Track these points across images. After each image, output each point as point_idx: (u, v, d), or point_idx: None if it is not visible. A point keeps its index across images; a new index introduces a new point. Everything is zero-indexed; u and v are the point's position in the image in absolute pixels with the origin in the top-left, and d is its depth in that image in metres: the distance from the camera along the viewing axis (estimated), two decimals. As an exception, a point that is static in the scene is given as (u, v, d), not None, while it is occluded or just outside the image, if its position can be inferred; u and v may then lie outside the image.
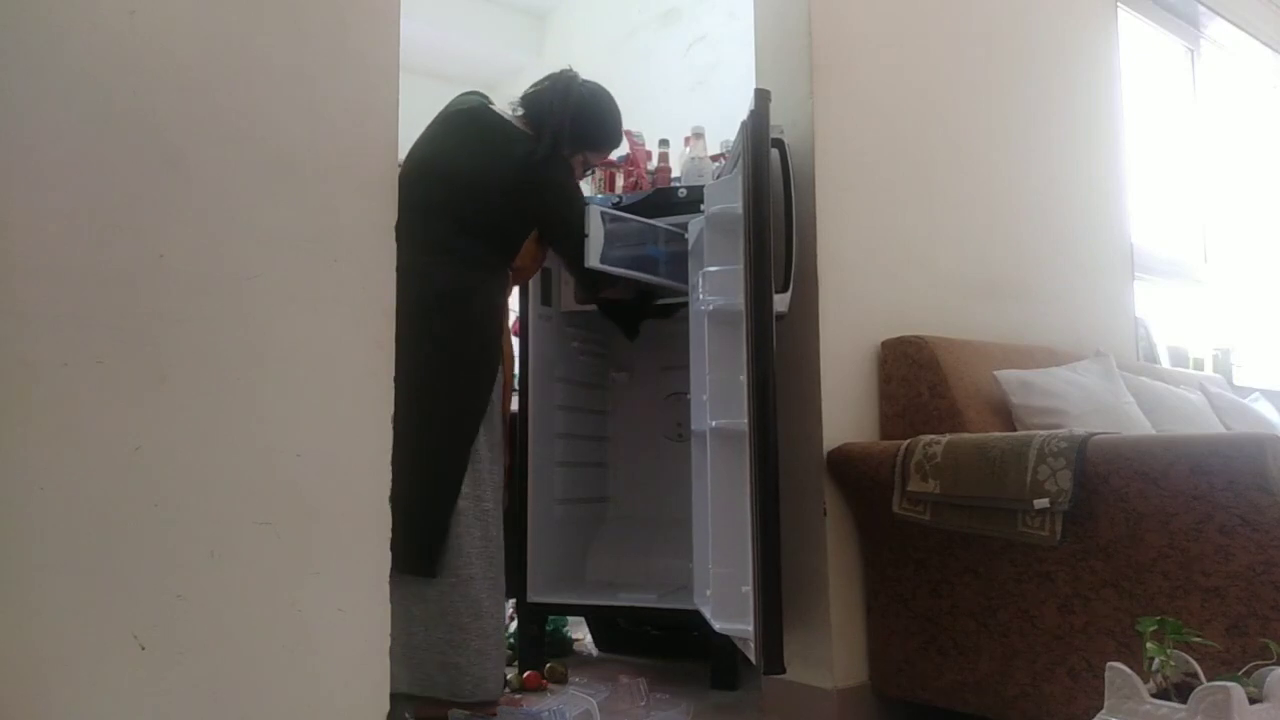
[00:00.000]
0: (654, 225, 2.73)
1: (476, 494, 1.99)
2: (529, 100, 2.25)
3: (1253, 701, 1.11)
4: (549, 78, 2.30)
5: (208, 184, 1.18)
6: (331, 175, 1.29)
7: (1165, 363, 3.54)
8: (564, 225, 2.22)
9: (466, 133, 2.19)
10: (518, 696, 2.19)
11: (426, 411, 1.87)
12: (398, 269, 1.35)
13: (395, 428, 1.32)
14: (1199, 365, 3.86)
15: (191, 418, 1.14)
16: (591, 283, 2.35)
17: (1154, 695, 1.17)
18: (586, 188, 3.20)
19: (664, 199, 2.77)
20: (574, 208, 2.25)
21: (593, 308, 3.07)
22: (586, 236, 2.22)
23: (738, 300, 2.04)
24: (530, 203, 2.15)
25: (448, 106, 2.26)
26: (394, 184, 1.36)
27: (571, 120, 2.20)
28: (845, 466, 2.10)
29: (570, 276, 2.41)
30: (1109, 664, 1.21)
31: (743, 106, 2.04)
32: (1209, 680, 1.14)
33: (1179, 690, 1.15)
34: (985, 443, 1.85)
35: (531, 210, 2.16)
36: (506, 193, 2.11)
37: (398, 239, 1.35)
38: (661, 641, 2.88)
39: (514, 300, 3.07)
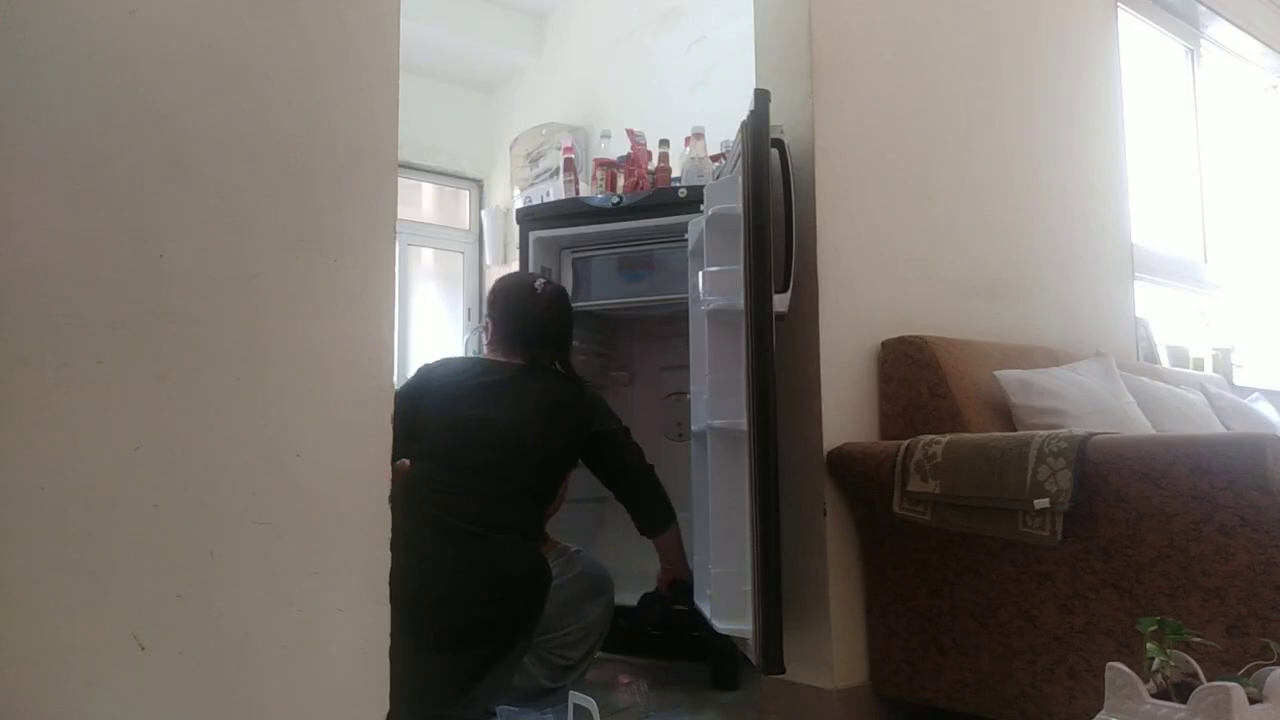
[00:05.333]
0: (623, 249, 2.87)
1: None
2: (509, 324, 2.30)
3: (1253, 701, 1.11)
4: (508, 288, 2.36)
5: (208, 184, 1.18)
6: (331, 175, 1.28)
7: (1165, 363, 3.54)
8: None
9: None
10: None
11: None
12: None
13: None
14: (1199, 365, 3.86)
15: (191, 418, 1.14)
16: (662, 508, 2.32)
17: (1154, 695, 1.17)
18: (585, 188, 3.21)
19: (664, 199, 2.78)
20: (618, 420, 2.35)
21: (591, 306, 3.08)
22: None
23: (738, 300, 2.04)
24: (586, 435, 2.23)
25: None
26: (394, 184, 1.36)
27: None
28: (845, 466, 2.10)
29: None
30: (1109, 664, 1.21)
31: (743, 106, 2.04)
32: (1209, 680, 1.14)
33: (1179, 690, 1.15)
34: (985, 443, 1.85)
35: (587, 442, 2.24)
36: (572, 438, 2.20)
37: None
38: (661, 641, 2.88)
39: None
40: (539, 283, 2.35)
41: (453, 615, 1.95)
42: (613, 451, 2.26)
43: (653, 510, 2.29)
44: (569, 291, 3.06)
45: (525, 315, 2.29)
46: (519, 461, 2.10)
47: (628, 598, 2.76)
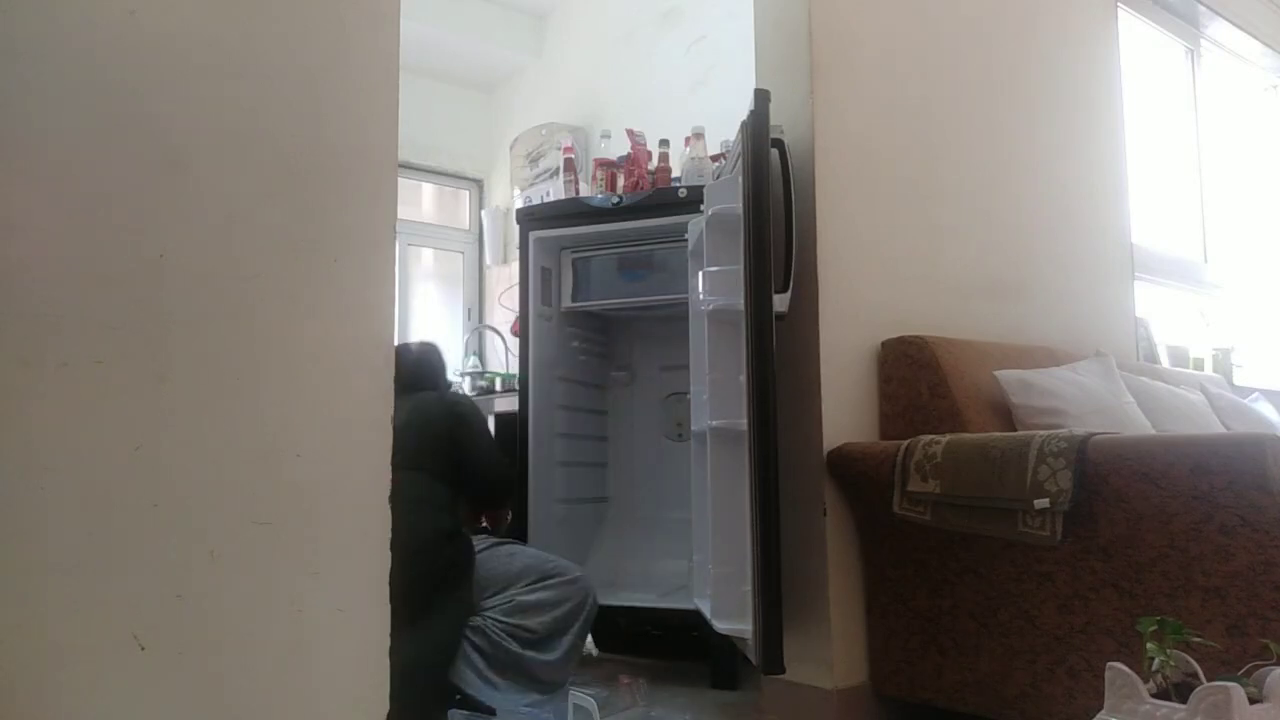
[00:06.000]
0: (623, 249, 2.91)
1: None
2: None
3: (1253, 701, 1.11)
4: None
5: (208, 184, 1.18)
6: (331, 175, 1.28)
7: (1165, 363, 3.54)
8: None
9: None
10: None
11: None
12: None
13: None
14: (1199, 365, 3.86)
15: (191, 418, 1.14)
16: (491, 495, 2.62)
17: (1154, 695, 1.17)
18: (585, 188, 3.21)
19: (664, 199, 2.78)
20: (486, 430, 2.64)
21: (591, 306, 3.09)
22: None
23: (738, 300, 2.04)
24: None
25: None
26: (394, 184, 1.36)
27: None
28: (845, 466, 2.10)
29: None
30: (1109, 664, 1.21)
31: (743, 106, 2.04)
32: (1209, 680, 1.14)
33: (1179, 690, 1.15)
34: (985, 443, 1.85)
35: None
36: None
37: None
38: (661, 641, 2.88)
39: (513, 300, 3.09)
40: (413, 344, 2.80)
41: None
42: (461, 439, 2.51)
43: (485, 498, 2.60)
44: (570, 291, 3.07)
45: (400, 366, 2.64)
46: (416, 451, 2.34)
47: (629, 598, 2.77)
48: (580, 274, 3.08)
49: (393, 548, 2.09)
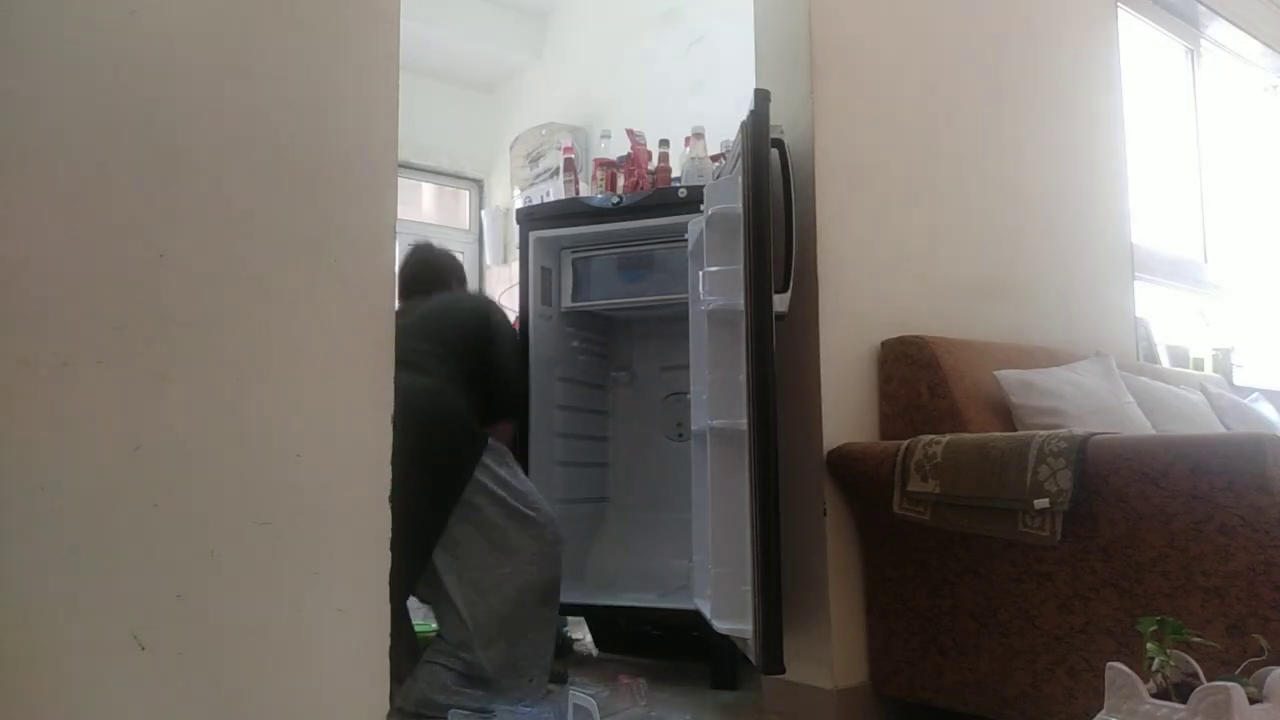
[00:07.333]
0: (623, 249, 2.93)
1: None
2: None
3: (1253, 701, 1.11)
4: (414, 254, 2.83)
5: (208, 184, 1.18)
6: (331, 175, 1.28)
7: (1165, 363, 3.54)
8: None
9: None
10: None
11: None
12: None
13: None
14: (1199, 365, 3.86)
15: (191, 418, 1.14)
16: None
17: (1154, 695, 1.17)
18: (585, 188, 3.21)
19: (664, 199, 2.78)
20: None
21: (591, 306, 3.09)
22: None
23: (738, 300, 2.04)
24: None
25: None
26: (394, 184, 1.36)
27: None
28: (845, 466, 2.10)
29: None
30: (1109, 664, 1.21)
31: (743, 106, 2.04)
32: (1209, 680, 1.14)
33: (1179, 690, 1.15)
34: (985, 443, 1.85)
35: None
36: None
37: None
38: (661, 641, 2.88)
39: (513, 300, 3.09)
40: (425, 245, 2.85)
41: None
42: (495, 340, 2.55)
43: (507, 403, 2.59)
44: (570, 291, 3.08)
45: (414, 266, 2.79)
46: (442, 343, 2.43)
47: (629, 598, 2.77)
48: (580, 274, 3.08)
49: (415, 415, 1.91)
